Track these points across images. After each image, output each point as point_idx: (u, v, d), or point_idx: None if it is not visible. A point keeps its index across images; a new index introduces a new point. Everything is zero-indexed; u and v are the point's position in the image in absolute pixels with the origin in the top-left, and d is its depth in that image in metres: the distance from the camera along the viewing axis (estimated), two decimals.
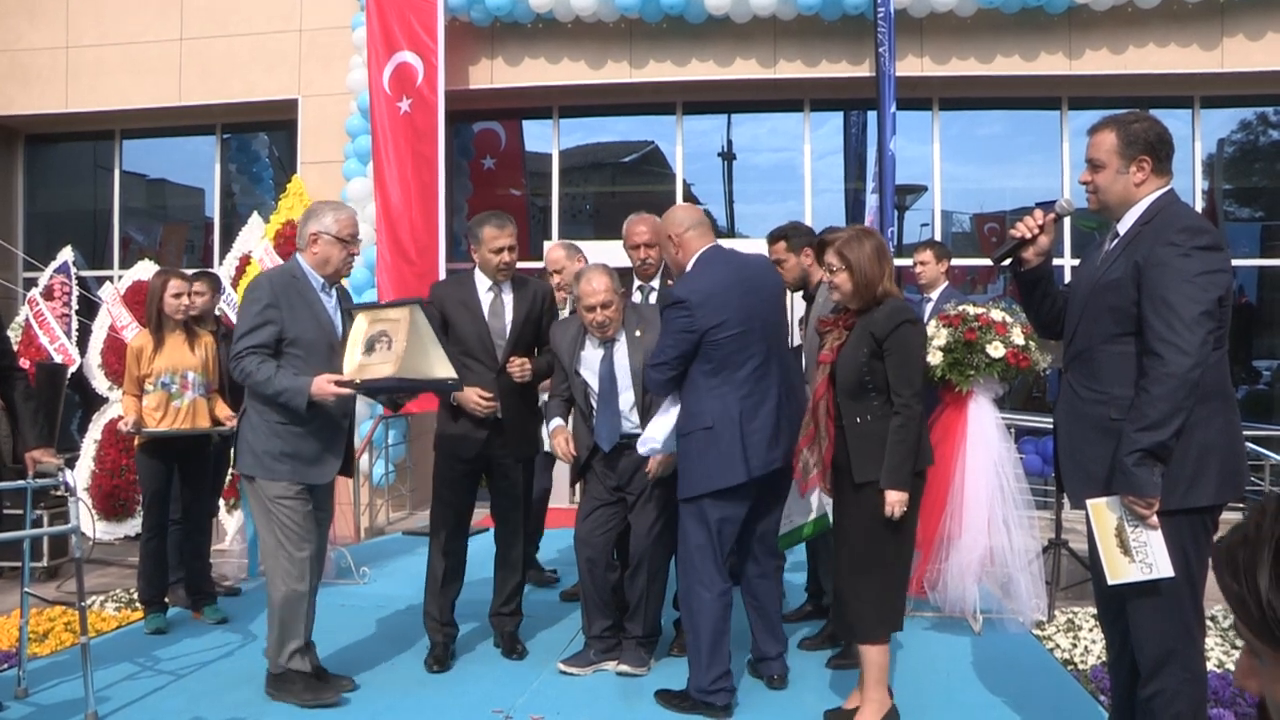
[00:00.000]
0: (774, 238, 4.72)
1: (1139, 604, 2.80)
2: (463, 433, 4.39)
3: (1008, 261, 3.11)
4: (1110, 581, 2.80)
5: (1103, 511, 2.82)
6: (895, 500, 3.44)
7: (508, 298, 4.44)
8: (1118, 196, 2.88)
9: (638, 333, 4.22)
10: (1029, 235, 3.02)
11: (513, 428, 4.43)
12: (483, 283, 4.45)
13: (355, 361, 3.88)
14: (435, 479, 4.53)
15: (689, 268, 3.94)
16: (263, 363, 3.83)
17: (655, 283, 4.70)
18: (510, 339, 4.40)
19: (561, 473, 5.81)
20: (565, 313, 4.86)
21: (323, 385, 3.80)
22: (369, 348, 3.87)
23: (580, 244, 8.14)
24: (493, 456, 4.46)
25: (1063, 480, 3.07)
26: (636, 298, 4.63)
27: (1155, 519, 2.72)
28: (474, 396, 4.26)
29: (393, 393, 4.12)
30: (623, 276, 4.55)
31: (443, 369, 3.90)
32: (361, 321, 3.97)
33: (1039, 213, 3.03)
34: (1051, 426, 3.19)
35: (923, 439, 3.57)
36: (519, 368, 4.36)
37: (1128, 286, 2.78)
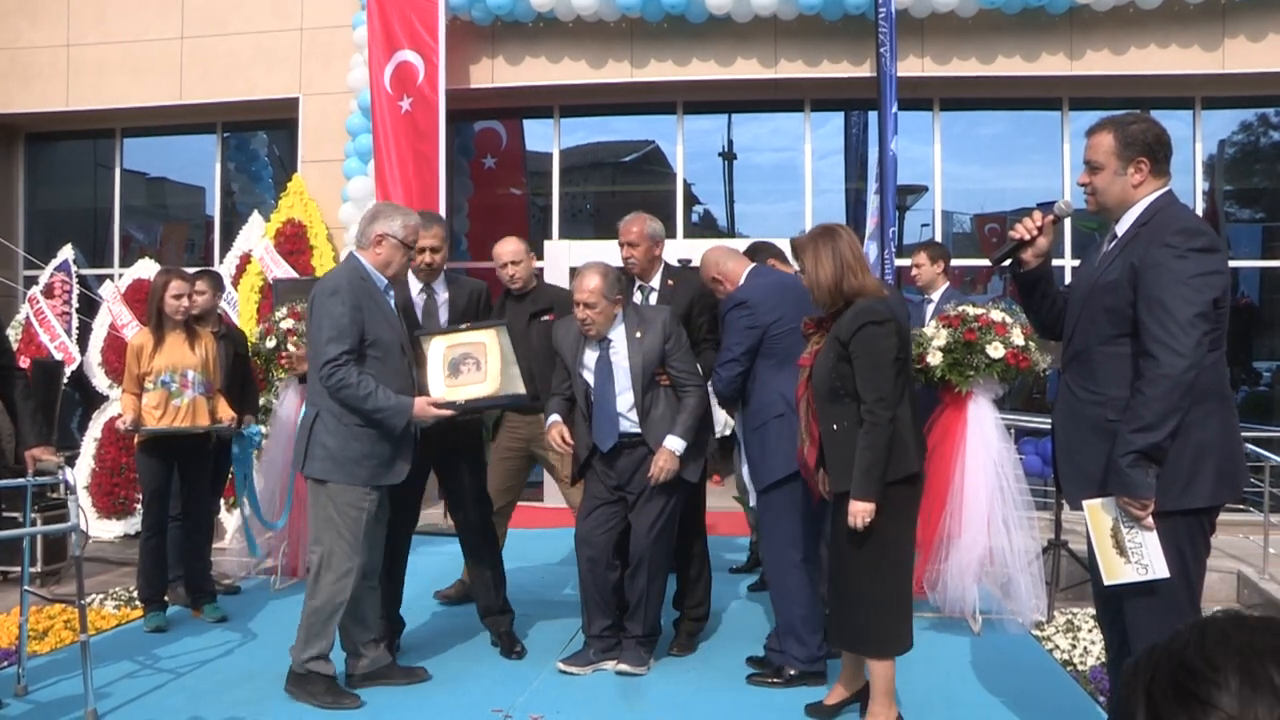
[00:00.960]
0: None
1: (1136, 605, 2.79)
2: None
3: (1007, 263, 3.11)
4: (1106, 582, 2.80)
5: (1099, 512, 2.82)
6: (858, 510, 3.33)
7: (441, 298, 4.43)
8: (1115, 198, 2.88)
9: (638, 334, 4.22)
10: (1028, 237, 3.02)
11: (456, 427, 4.36)
12: (414, 284, 4.41)
13: (442, 383, 4.03)
14: None
15: (740, 283, 4.25)
16: (361, 375, 3.80)
17: (655, 283, 4.70)
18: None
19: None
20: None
21: (425, 408, 3.90)
22: (453, 370, 4.03)
23: (580, 244, 8.18)
24: (439, 458, 4.45)
25: (1060, 481, 3.07)
26: (636, 298, 4.63)
27: (1150, 520, 2.72)
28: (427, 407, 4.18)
29: (480, 411, 4.26)
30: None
31: (520, 385, 4.10)
32: (438, 345, 4.07)
33: (1038, 214, 3.03)
34: (1050, 427, 3.19)
35: (905, 443, 3.43)
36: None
37: (1124, 288, 2.77)
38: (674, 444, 4.14)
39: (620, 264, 4.61)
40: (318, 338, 3.85)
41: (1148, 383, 2.67)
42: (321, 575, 3.93)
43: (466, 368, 4.03)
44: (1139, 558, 2.74)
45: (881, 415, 3.34)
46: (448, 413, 3.98)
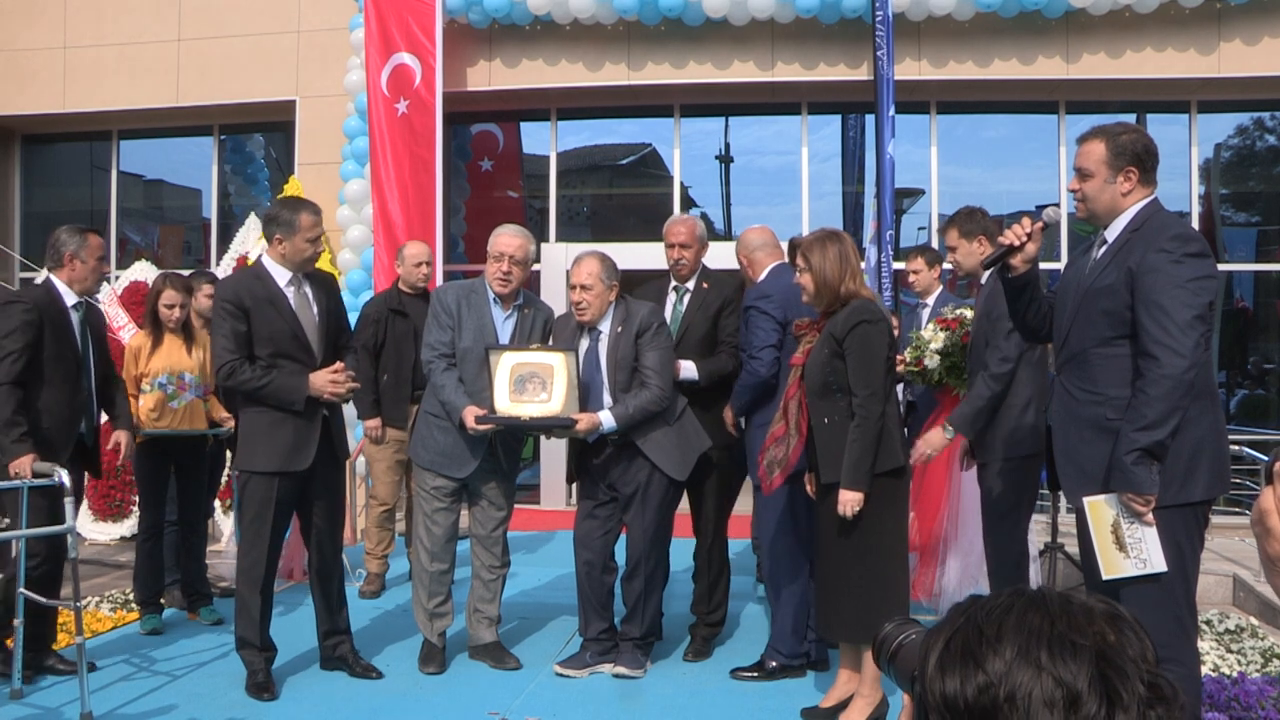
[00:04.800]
0: None
1: (1134, 599, 2.83)
2: (295, 440, 4.07)
3: (996, 267, 3.18)
4: (1105, 577, 2.85)
5: (1100, 509, 2.87)
6: (847, 499, 3.47)
7: (308, 290, 4.19)
8: (1105, 205, 2.96)
9: (619, 329, 4.23)
10: (1017, 243, 3.07)
11: (333, 426, 4.25)
12: (281, 276, 4.11)
13: (506, 398, 4.18)
14: (253, 500, 4.08)
15: (762, 278, 4.36)
16: (446, 370, 4.26)
17: (690, 284, 4.67)
18: (320, 331, 4.17)
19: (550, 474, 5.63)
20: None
21: (467, 418, 4.15)
22: (519, 387, 4.17)
23: (577, 246, 8.16)
24: (316, 461, 4.16)
25: (1059, 479, 3.12)
26: (671, 297, 4.65)
27: (1151, 516, 2.78)
28: (327, 378, 4.06)
29: (530, 432, 4.48)
30: (642, 277, 4.74)
31: (577, 411, 4.15)
32: (507, 361, 4.19)
33: (1027, 220, 3.09)
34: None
35: (892, 437, 3.56)
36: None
37: (1121, 291, 2.84)
38: (605, 416, 4.12)
39: (626, 266, 4.58)
40: (425, 336, 4.39)
41: (1150, 383, 2.74)
42: (410, 545, 4.47)
43: (532, 386, 4.15)
44: (1138, 552, 2.80)
45: (873, 409, 3.48)
46: (485, 428, 4.14)
